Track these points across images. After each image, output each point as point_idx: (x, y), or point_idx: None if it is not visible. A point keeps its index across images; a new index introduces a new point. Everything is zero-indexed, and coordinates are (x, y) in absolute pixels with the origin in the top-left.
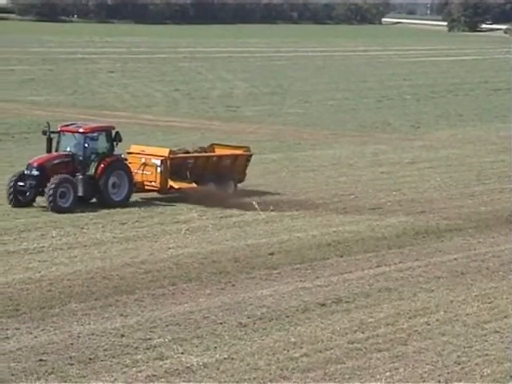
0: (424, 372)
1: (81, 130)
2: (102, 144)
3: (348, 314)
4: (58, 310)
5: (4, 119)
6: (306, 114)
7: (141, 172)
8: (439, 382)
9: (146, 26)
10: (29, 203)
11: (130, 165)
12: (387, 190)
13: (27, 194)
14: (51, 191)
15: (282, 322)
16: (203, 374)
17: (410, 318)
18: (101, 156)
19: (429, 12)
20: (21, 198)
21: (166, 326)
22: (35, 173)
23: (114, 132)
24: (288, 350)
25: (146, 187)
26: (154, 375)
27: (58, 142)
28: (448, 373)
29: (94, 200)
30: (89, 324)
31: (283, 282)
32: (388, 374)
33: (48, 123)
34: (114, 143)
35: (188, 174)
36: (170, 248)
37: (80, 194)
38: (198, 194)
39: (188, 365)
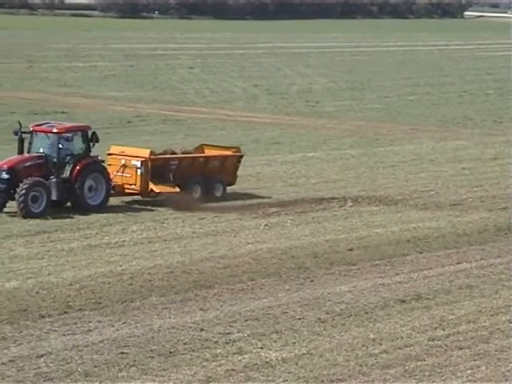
0: (506, 370)
1: (54, 130)
2: (77, 145)
3: (428, 311)
4: (139, 303)
5: (86, 115)
6: (385, 109)
7: (120, 174)
8: None
9: (226, 22)
10: (0, 209)
11: (109, 167)
12: (468, 186)
13: None
14: (22, 196)
15: (361, 319)
16: (282, 369)
17: (491, 315)
18: (76, 158)
19: None
20: None
21: (245, 320)
22: (5, 176)
23: (90, 132)
24: (367, 347)
25: (126, 190)
26: (234, 369)
27: (31, 143)
28: None
29: (68, 204)
30: (169, 318)
31: (362, 278)
32: (469, 371)
33: (19, 122)
34: (91, 144)
35: (171, 176)
36: (248, 243)
37: (54, 198)
38: (179, 199)
39: (267, 360)
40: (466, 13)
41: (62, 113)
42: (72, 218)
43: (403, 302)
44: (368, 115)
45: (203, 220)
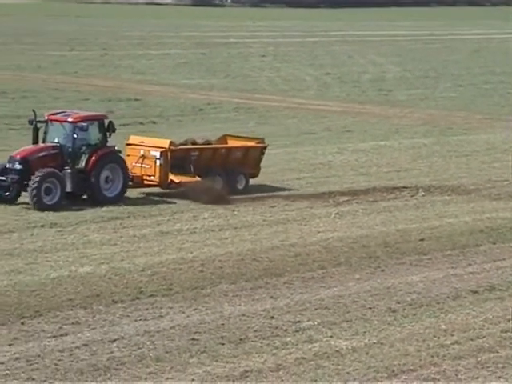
0: None
1: (70, 119)
2: (93, 135)
3: (501, 302)
4: (210, 290)
5: (159, 102)
6: (459, 98)
7: (139, 165)
8: None
9: (299, 10)
10: (13, 200)
11: (128, 157)
12: None
13: (10, 189)
14: (35, 187)
15: (432, 309)
16: (352, 358)
17: None
18: (92, 148)
19: None
20: (3, 193)
21: (315, 309)
22: (18, 166)
23: (107, 122)
24: (439, 337)
25: (145, 182)
26: (304, 358)
27: (46, 133)
28: None
29: (84, 196)
30: (239, 305)
31: (434, 268)
32: None
33: (34, 111)
34: (107, 134)
35: (191, 167)
36: (319, 232)
37: (68, 189)
38: (196, 189)
39: (337, 348)
40: None
41: (135, 100)
42: (144, 204)
43: (476, 292)
44: (441, 104)
45: (274, 208)
